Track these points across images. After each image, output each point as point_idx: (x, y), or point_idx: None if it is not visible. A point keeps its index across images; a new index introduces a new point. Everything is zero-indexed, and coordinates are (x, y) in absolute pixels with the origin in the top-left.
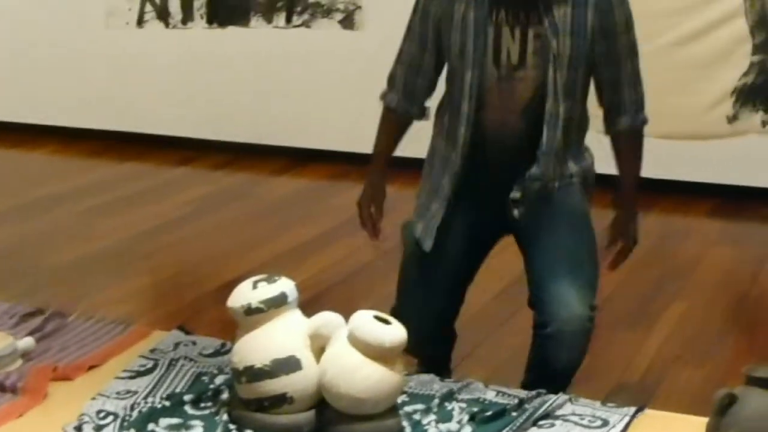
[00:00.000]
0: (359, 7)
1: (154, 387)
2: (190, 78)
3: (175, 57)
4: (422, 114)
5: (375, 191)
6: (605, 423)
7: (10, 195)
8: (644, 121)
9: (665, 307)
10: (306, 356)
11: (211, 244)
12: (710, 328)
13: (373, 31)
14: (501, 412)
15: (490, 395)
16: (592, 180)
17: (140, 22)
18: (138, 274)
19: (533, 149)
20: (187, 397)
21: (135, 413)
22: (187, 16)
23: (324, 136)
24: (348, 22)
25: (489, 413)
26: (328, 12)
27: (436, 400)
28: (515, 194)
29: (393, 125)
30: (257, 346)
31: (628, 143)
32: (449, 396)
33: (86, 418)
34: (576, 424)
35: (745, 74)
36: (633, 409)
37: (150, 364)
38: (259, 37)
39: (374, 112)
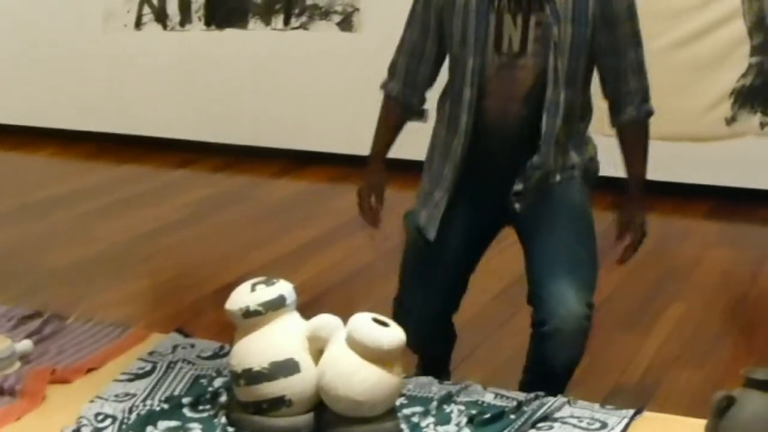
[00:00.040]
0: (357, 9)
1: (152, 390)
2: (188, 80)
3: (173, 59)
4: (422, 104)
5: (375, 180)
6: (604, 425)
7: (8, 197)
8: (649, 112)
9: (664, 308)
10: (304, 359)
11: (209, 246)
12: (709, 330)
13: (371, 33)
14: (499, 415)
15: (489, 398)
16: (595, 172)
17: (138, 24)
18: (137, 276)
19: (534, 138)
20: (185, 400)
21: (133, 416)
22: (185, 19)
23: (323, 139)
24: (346, 24)
25: (487, 416)
26: (326, 14)
27: (435, 403)
28: (518, 187)
29: (393, 115)
30: (255, 349)
31: (633, 135)
32: (448, 398)
33: (84, 421)
34: (575, 426)
35: (744, 76)
36: (631, 412)
37: (148, 367)
38: (257, 39)
39: (373, 114)
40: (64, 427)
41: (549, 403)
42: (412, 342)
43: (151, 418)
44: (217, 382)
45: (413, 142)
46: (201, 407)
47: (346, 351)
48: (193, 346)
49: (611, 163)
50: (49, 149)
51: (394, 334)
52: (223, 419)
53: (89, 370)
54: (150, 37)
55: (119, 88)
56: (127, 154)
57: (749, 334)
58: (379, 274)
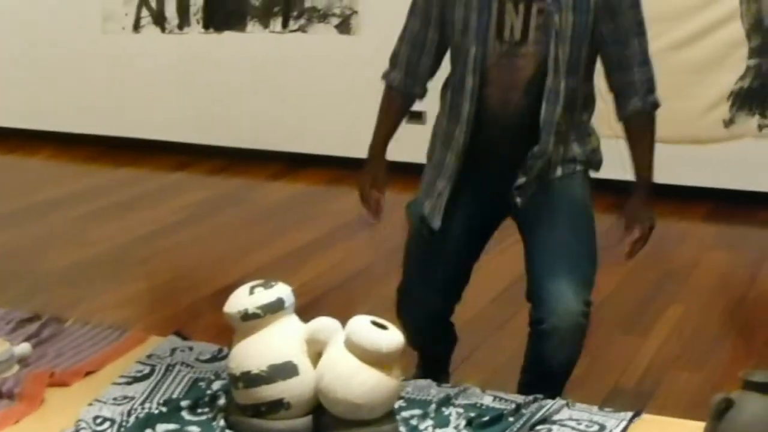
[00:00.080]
0: (355, 12)
1: (150, 393)
2: (186, 83)
3: (171, 62)
4: (424, 94)
5: (377, 169)
6: (602, 428)
7: (6, 200)
8: (655, 103)
9: (662, 310)
10: (303, 362)
11: (207, 249)
12: (707, 332)
13: (369, 35)
14: (498, 418)
15: (487, 400)
16: (598, 164)
17: (136, 27)
18: (134, 279)
19: (535, 127)
20: (184, 403)
21: (132, 419)
22: (184, 21)
23: (320, 141)
24: (344, 26)
25: (486, 418)
26: (324, 17)
27: (433, 406)
28: (520, 180)
29: (395, 105)
30: (254, 352)
31: (639, 126)
32: (446, 401)
33: (83, 424)
34: (573, 429)
35: (741, 78)
36: (630, 414)
37: (147, 370)
38: (255, 42)
39: (370, 116)
40: (62, 430)
41: (548, 406)
42: (415, 334)
43: (150, 421)
44: (216, 385)
45: (412, 144)
46: (199, 410)
47: (345, 354)
48: (191, 348)
49: (611, 165)
50: (47, 152)
51: (392, 337)
52: (222, 422)
53: (88, 373)
54: (148, 40)
55: (117, 90)
56: (124, 157)
57: (748, 336)
58: (377, 276)
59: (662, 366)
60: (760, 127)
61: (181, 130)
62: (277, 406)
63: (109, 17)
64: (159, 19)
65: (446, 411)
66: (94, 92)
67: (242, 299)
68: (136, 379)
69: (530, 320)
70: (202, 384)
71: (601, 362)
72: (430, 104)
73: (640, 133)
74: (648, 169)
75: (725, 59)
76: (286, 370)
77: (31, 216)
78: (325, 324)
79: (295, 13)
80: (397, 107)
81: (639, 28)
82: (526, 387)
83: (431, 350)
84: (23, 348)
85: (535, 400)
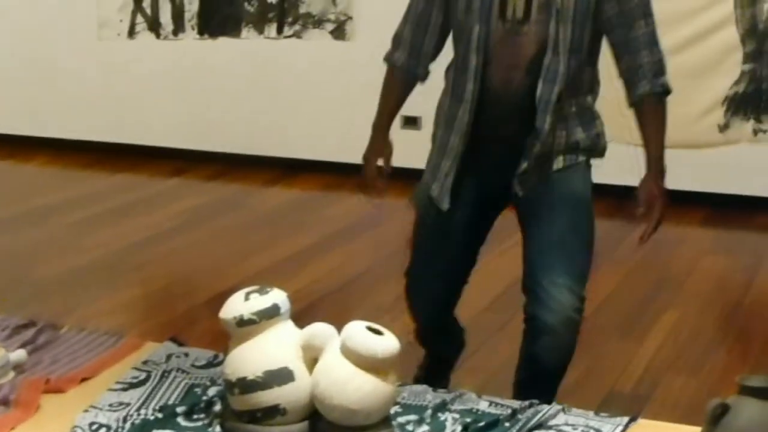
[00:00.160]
0: (350, 18)
1: (146, 399)
2: (181, 89)
3: (166, 68)
4: (426, 76)
5: (382, 146)
6: None
7: (1, 206)
8: (665, 86)
9: (658, 315)
10: (298, 367)
11: (203, 255)
12: (703, 337)
13: (364, 41)
14: (494, 423)
15: (483, 406)
16: (602, 150)
17: (131, 33)
18: (130, 285)
19: (537, 109)
20: (179, 409)
21: (128, 425)
22: (179, 27)
23: (316, 147)
24: (339, 32)
25: (482, 424)
26: (319, 23)
27: (429, 411)
28: (522, 165)
29: (399, 84)
30: (250, 358)
31: (649, 110)
32: (442, 406)
33: (79, 431)
34: None
35: (736, 83)
36: (626, 419)
37: (142, 376)
38: (250, 47)
39: (366, 122)
40: None
41: (544, 411)
42: (423, 317)
43: (146, 427)
44: (212, 391)
45: (408, 150)
46: (195, 416)
47: (341, 360)
48: (187, 354)
49: (617, 171)
50: (42, 158)
51: (388, 343)
52: (218, 428)
53: (83, 380)
54: (143, 46)
55: (113, 97)
56: (120, 163)
57: (744, 341)
58: (372, 282)
59: (658, 371)
60: (755, 132)
61: (177, 136)
62: (272, 412)
63: (104, 24)
64: (154, 26)
65: (442, 416)
66: (89, 98)
67: (238, 305)
68: (132, 386)
69: (525, 316)
70: (198, 390)
71: (597, 367)
72: (425, 110)
73: (650, 116)
74: (658, 153)
75: (720, 64)
76: (282, 376)
77: (27, 222)
78: (320, 330)
79: (290, 19)
80: (400, 87)
81: (645, 9)
82: (520, 386)
83: (438, 344)
84: (19, 354)
85: (530, 406)
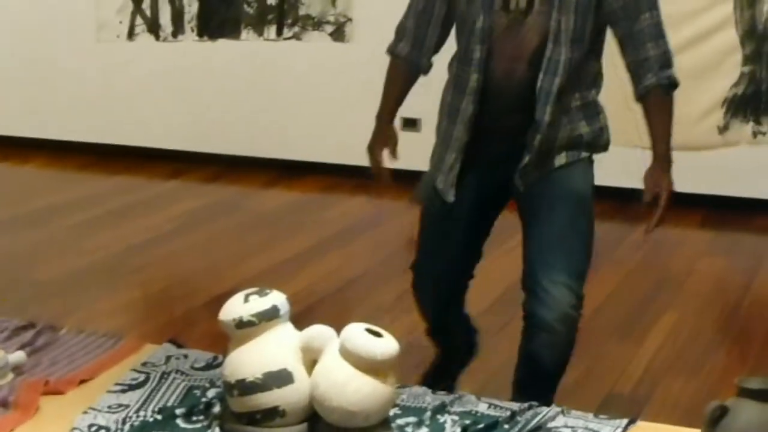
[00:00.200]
0: (350, 20)
1: (145, 401)
2: (180, 91)
3: (165, 70)
4: (429, 68)
5: (386, 135)
6: None
7: (1, 208)
8: (671, 79)
9: (657, 317)
10: (298, 369)
11: (202, 257)
12: (702, 339)
13: (363, 43)
14: (493, 425)
15: (483, 408)
16: (605, 144)
17: (131, 35)
18: (129, 287)
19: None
20: (178, 411)
21: (127, 427)
22: (178, 29)
23: (315, 148)
24: (338, 34)
25: (481, 426)
26: (318, 24)
27: (429, 413)
28: (525, 159)
29: (402, 75)
30: (249, 360)
31: (656, 103)
32: (441, 408)
33: None
34: None
35: (736, 85)
36: (625, 421)
37: (141, 378)
38: (249, 49)
39: (365, 123)
40: None
41: (543, 413)
42: (430, 312)
43: (145, 429)
44: (211, 393)
45: (408, 152)
46: (194, 418)
47: (340, 361)
48: (186, 356)
49: (612, 171)
50: (41, 160)
51: (387, 345)
52: (217, 430)
53: (82, 381)
54: (143, 48)
55: (112, 98)
56: (119, 165)
57: (742, 343)
58: (372, 284)
59: (657, 373)
60: (755, 134)
61: (176, 137)
62: (272, 414)
63: (103, 26)
64: (153, 27)
65: (441, 418)
66: (88, 100)
67: (237, 307)
68: (131, 387)
69: (523, 314)
70: (197, 392)
71: (596, 369)
72: (425, 111)
73: (656, 109)
74: (665, 141)
75: (719, 66)
76: (281, 378)
77: (26, 224)
78: (319, 332)
79: (289, 21)
80: (404, 77)
81: (650, 2)
82: (519, 385)
83: (448, 341)
84: (18, 356)
85: (530, 408)
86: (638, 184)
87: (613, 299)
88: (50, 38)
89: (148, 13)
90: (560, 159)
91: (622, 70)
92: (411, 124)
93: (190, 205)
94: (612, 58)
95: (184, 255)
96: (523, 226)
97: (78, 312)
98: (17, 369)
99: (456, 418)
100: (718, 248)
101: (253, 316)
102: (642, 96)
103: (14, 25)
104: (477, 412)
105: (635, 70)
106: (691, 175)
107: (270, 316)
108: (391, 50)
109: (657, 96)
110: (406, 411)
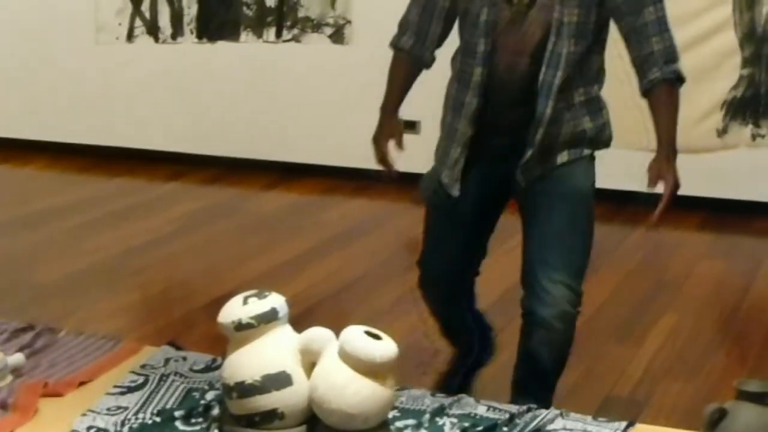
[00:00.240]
0: (349, 22)
1: (144, 403)
2: (180, 93)
3: (165, 72)
4: (432, 61)
5: (391, 127)
6: None
7: (0, 210)
8: (677, 73)
9: (656, 320)
10: (297, 372)
11: (201, 259)
12: (701, 341)
13: (362, 45)
14: (492, 427)
15: (482, 410)
16: (607, 140)
17: (130, 37)
18: (128, 289)
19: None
20: (177, 413)
21: (125, 429)
22: (177, 31)
23: (314, 151)
24: (338, 36)
25: (480, 428)
26: (317, 26)
27: (427, 415)
28: (527, 155)
29: (406, 68)
30: (248, 362)
31: (661, 97)
32: (440, 411)
33: None
34: None
35: (735, 87)
36: (624, 424)
37: (140, 380)
38: (249, 51)
39: (364, 126)
40: None
41: (541, 416)
42: (438, 308)
43: (144, 431)
44: (210, 395)
45: (407, 154)
46: (193, 420)
47: (339, 364)
48: (185, 358)
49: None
50: (41, 162)
51: (386, 347)
52: None
53: (81, 384)
54: (142, 50)
55: (111, 100)
56: (118, 167)
57: (741, 345)
58: (371, 286)
59: (656, 375)
60: (753, 137)
61: (175, 140)
62: (271, 417)
63: (102, 27)
64: (152, 29)
65: (440, 421)
66: (88, 102)
67: (236, 309)
68: (130, 390)
69: (522, 311)
70: (196, 394)
71: (595, 371)
72: (424, 114)
73: (662, 103)
74: (670, 132)
75: (718, 68)
76: (280, 380)
77: (25, 226)
78: (318, 334)
79: (288, 23)
80: (407, 71)
81: None
82: (518, 384)
83: (458, 338)
84: (17, 358)
85: (529, 410)
86: (640, 186)
87: (612, 301)
88: (50, 40)
89: (147, 15)
90: (562, 156)
91: (622, 70)
92: (410, 126)
93: (190, 207)
94: (613, 60)
95: (184, 257)
96: (523, 224)
97: (77, 314)
98: (16, 371)
99: (455, 420)
100: (717, 251)
101: (252, 318)
102: (647, 90)
103: (14, 27)
104: (476, 414)
105: (640, 64)
106: (690, 178)
107: (269, 318)
108: (395, 43)
109: (662, 90)
110: (405, 413)
